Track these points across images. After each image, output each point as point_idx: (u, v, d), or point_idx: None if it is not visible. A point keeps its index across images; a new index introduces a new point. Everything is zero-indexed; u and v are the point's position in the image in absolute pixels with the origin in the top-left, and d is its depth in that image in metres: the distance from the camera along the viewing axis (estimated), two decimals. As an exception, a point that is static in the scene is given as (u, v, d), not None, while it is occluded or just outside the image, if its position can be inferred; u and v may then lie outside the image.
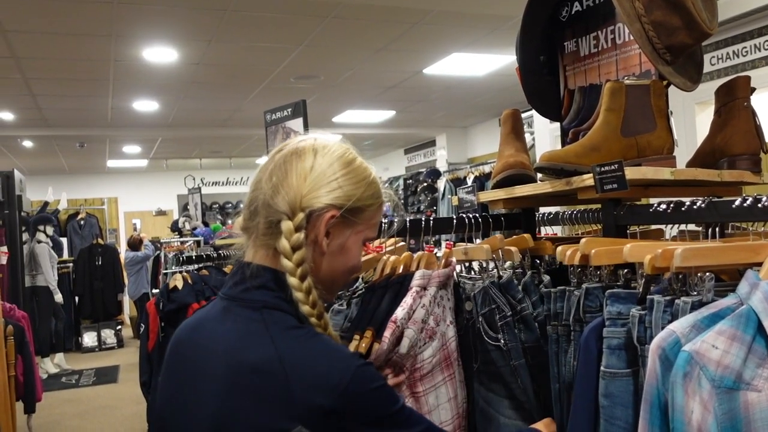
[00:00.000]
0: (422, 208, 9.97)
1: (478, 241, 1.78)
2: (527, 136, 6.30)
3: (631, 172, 1.36)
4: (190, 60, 5.75)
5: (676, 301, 1.12)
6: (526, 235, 1.66)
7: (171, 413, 1.08)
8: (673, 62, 1.55)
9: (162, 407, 1.12)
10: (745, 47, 4.07)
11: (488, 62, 6.37)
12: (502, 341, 1.47)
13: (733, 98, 1.59)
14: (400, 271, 1.63)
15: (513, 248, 1.57)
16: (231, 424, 0.96)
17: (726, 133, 1.59)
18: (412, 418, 1.02)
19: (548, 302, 1.45)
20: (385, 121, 9.52)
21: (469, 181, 8.54)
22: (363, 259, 1.66)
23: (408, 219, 1.69)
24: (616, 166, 1.35)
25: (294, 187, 1.03)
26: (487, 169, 8.23)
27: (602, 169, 1.38)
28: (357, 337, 1.52)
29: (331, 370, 0.94)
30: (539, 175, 1.72)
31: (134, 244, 9.34)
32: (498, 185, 1.69)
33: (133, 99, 7.18)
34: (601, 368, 1.19)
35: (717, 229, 1.65)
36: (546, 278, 1.59)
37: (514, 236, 1.73)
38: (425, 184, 9.96)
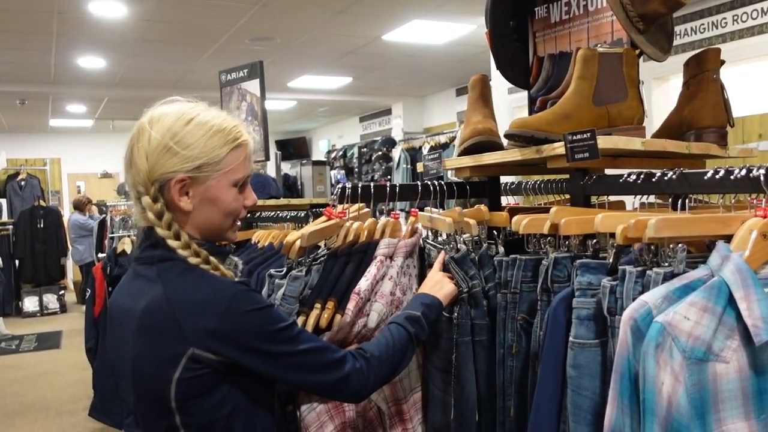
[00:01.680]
0: (376, 177, 9.93)
1: (435, 210, 1.74)
2: (484, 107, 6.29)
3: (602, 141, 1.33)
4: (141, 15, 5.49)
5: (648, 272, 1.10)
6: (483, 207, 1.63)
7: (112, 361, 1.28)
8: (645, 31, 1.53)
9: (109, 357, 1.32)
10: (703, 24, 4.12)
11: (448, 31, 6.30)
12: (455, 314, 1.45)
13: (702, 70, 1.58)
14: (364, 238, 1.59)
15: (471, 221, 1.54)
16: (142, 360, 1.15)
17: (694, 106, 1.58)
18: (301, 337, 1.17)
19: (499, 270, 1.43)
20: (341, 88, 9.38)
21: (425, 151, 8.53)
22: (326, 224, 1.61)
23: (372, 185, 1.64)
24: (588, 134, 1.33)
25: (138, 165, 1.17)
26: (443, 139, 8.21)
27: (574, 137, 1.35)
28: (318, 306, 1.47)
29: (212, 296, 1.12)
30: (506, 143, 1.69)
31: (80, 205, 8.99)
32: (465, 152, 1.65)
33: (78, 55, 6.85)
34: (570, 338, 1.18)
35: (685, 201, 1.65)
36: (501, 250, 1.57)
37: (472, 207, 1.71)
38: (380, 152, 9.91)
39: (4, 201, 10.14)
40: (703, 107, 1.56)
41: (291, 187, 11.05)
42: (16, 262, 9.03)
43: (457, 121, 9.26)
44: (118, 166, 13.72)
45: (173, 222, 1.18)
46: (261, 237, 2.50)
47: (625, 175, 1.35)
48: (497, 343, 1.39)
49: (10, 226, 8.96)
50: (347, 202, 1.62)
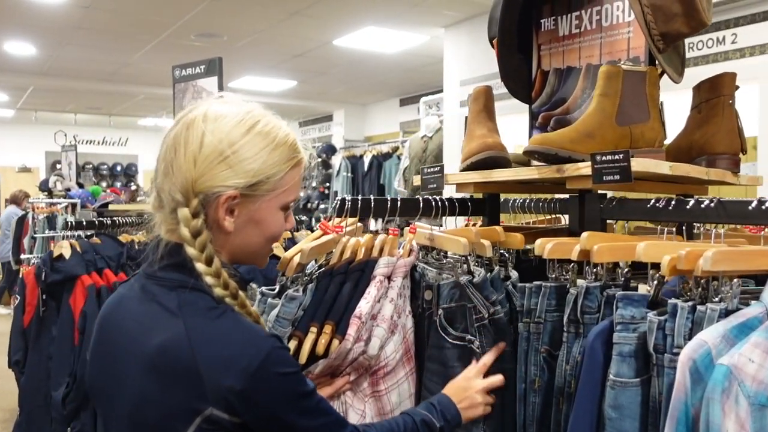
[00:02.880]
0: (315, 184, 9.75)
1: (435, 227, 1.63)
2: (434, 119, 6.26)
3: (634, 164, 1.26)
4: (80, 2, 5.15)
5: (699, 307, 1.03)
6: (498, 228, 1.53)
7: (99, 391, 1.08)
8: (663, 51, 1.47)
9: (91, 384, 1.12)
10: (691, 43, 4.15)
11: (401, 40, 6.24)
12: (477, 343, 1.34)
13: (717, 95, 1.54)
14: (362, 256, 1.46)
15: (486, 242, 1.44)
16: (145, 405, 0.96)
17: (707, 130, 1.54)
18: (320, 408, 1.02)
19: (522, 298, 1.33)
20: (284, 91, 9.16)
21: (367, 160, 8.41)
22: (320, 240, 1.47)
23: (372, 198, 1.51)
24: (620, 156, 1.25)
25: (184, 171, 0.99)
26: (385, 148, 8.13)
27: (603, 158, 1.27)
28: (314, 330, 1.33)
29: (242, 352, 0.93)
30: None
31: (16, 200, 8.40)
32: (473, 167, 1.54)
33: (4, 39, 6.38)
34: (610, 376, 1.08)
35: (692, 230, 1.60)
36: (514, 274, 1.48)
37: (483, 226, 1.60)
38: (320, 159, 9.75)
39: None
40: (718, 132, 1.52)
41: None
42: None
43: (400, 132, 9.20)
44: (38, 161, 12.98)
45: (209, 243, 0.99)
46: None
47: (653, 201, 1.28)
48: (518, 378, 1.29)
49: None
50: (346, 216, 1.48)
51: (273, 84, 8.66)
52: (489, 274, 1.38)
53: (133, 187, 7.94)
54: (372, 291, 1.39)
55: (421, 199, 1.57)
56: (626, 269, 1.21)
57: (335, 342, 1.33)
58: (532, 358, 1.26)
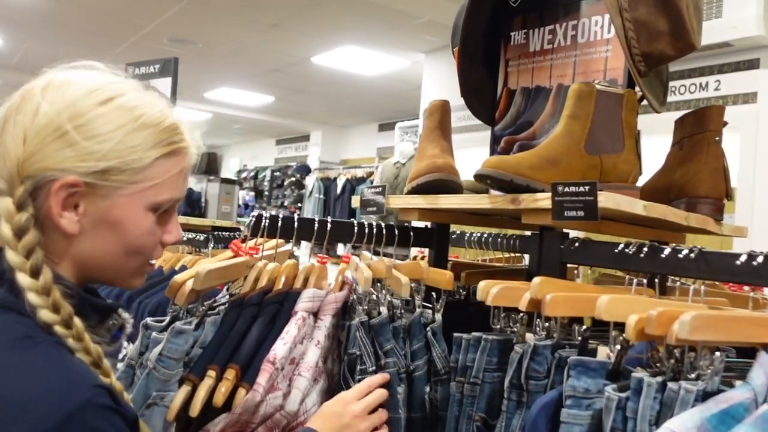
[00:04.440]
0: (286, 203, 9.52)
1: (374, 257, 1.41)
2: (409, 145, 6.07)
3: (602, 199, 1.04)
4: (47, -7, 4.91)
5: (671, 385, 0.81)
6: (421, 263, 1.31)
7: None
8: (644, 74, 1.27)
9: None
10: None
11: (381, 62, 6.07)
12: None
13: (702, 130, 1.34)
14: (280, 286, 1.22)
15: (403, 278, 1.21)
16: None
17: (688, 169, 1.34)
18: None
19: (457, 352, 1.11)
20: (261, 107, 8.95)
21: (340, 183, 8.23)
22: (231, 261, 1.23)
23: (296, 217, 1.28)
24: (586, 188, 1.03)
25: (10, 150, 0.77)
26: (359, 173, 7.95)
27: (566, 189, 1.06)
28: (212, 374, 1.08)
29: (43, 398, 0.67)
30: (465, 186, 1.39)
31: None
32: (418, 190, 1.32)
33: (-31, 28, 6.10)
34: (554, 465, 0.86)
35: (664, 282, 1.40)
36: (438, 318, 1.25)
37: (408, 260, 1.38)
38: (293, 179, 9.57)
39: None
40: (700, 172, 1.32)
41: (193, 204, 10.41)
42: None
43: (376, 157, 9.03)
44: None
45: (37, 248, 0.76)
46: (149, 259, 2.07)
47: (622, 245, 1.07)
48: (446, 451, 1.05)
49: None
50: (262, 236, 1.25)
51: (250, 98, 8.44)
52: (407, 316, 1.16)
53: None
54: (291, 330, 1.15)
55: (356, 223, 1.35)
56: (584, 327, 0.99)
57: (241, 391, 1.08)
58: (463, 427, 1.03)
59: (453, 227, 1.67)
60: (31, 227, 0.76)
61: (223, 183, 9.70)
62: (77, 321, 0.77)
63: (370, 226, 1.35)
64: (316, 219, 1.30)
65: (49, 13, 5.42)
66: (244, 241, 1.28)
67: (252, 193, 10.20)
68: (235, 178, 10.84)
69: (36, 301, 0.74)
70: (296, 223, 1.28)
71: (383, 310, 1.21)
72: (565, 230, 1.25)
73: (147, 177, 0.81)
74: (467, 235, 1.84)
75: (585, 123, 1.17)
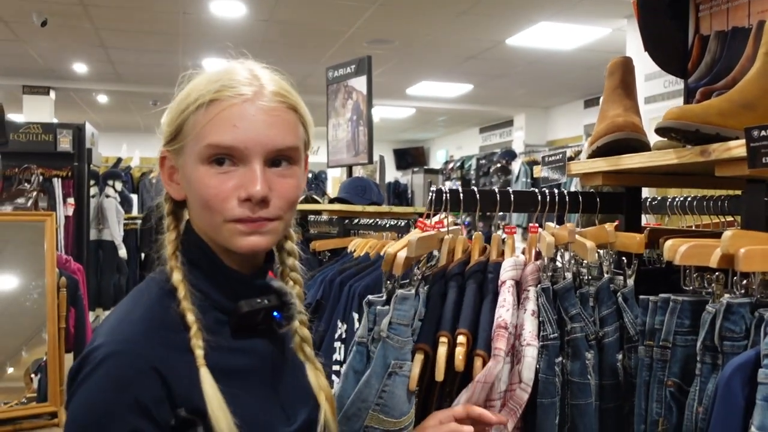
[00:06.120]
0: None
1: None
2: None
3: (808, 140, 0.93)
4: (259, 15, 5.46)
5: None
6: (609, 226, 1.25)
7: None
8: None
9: None
10: None
11: (579, 35, 5.81)
12: (537, 365, 1.08)
13: None
14: (476, 257, 1.24)
15: (588, 242, 1.16)
16: None
17: None
18: None
19: (644, 314, 1.05)
20: (461, 96, 9.04)
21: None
22: (419, 236, 1.27)
23: (476, 189, 1.31)
24: (787, 128, 0.92)
25: None
26: (567, 153, 7.68)
27: (764, 132, 0.95)
28: (444, 340, 1.12)
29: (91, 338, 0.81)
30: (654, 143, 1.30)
31: None
32: (598, 153, 1.28)
33: (203, 56, 6.99)
34: (752, 428, 0.79)
35: None
36: (629, 284, 1.18)
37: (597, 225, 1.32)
38: (499, 165, 9.50)
39: (135, 197, 10.66)
40: None
41: (401, 195, 10.83)
42: (142, 255, 9.41)
43: (584, 135, 8.66)
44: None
45: (170, 214, 0.91)
46: (357, 246, 2.23)
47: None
48: (636, 415, 1.01)
49: (139, 221, 9.34)
50: (445, 210, 1.29)
51: (449, 89, 8.58)
52: (595, 283, 1.12)
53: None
54: (508, 298, 1.15)
55: (538, 192, 1.34)
56: (788, 282, 0.89)
57: (477, 360, 1.12)
58: (654, 393, 0.98)
59: (653, 192, 1.58)
60: (167, 200, 0.92)
61: (427, 173, 9.94)
62: (187, 287, 0.84)
63: (551, 193, 1.33)
64: (496, 190, 1.31)
65: (262, 33, 6.01)
66: (428, 216, 1.33)
67: (458, 183, 10.35)
68: (439, 168, 11.09)
69: (170, 263, 0.87)
70: (477, 195, 1.30)
71: (568, 275, 1.18)
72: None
73: (192, 130, 0.85)
74: (669, 199, 1.72)
75: (786, 58, 1.04)
